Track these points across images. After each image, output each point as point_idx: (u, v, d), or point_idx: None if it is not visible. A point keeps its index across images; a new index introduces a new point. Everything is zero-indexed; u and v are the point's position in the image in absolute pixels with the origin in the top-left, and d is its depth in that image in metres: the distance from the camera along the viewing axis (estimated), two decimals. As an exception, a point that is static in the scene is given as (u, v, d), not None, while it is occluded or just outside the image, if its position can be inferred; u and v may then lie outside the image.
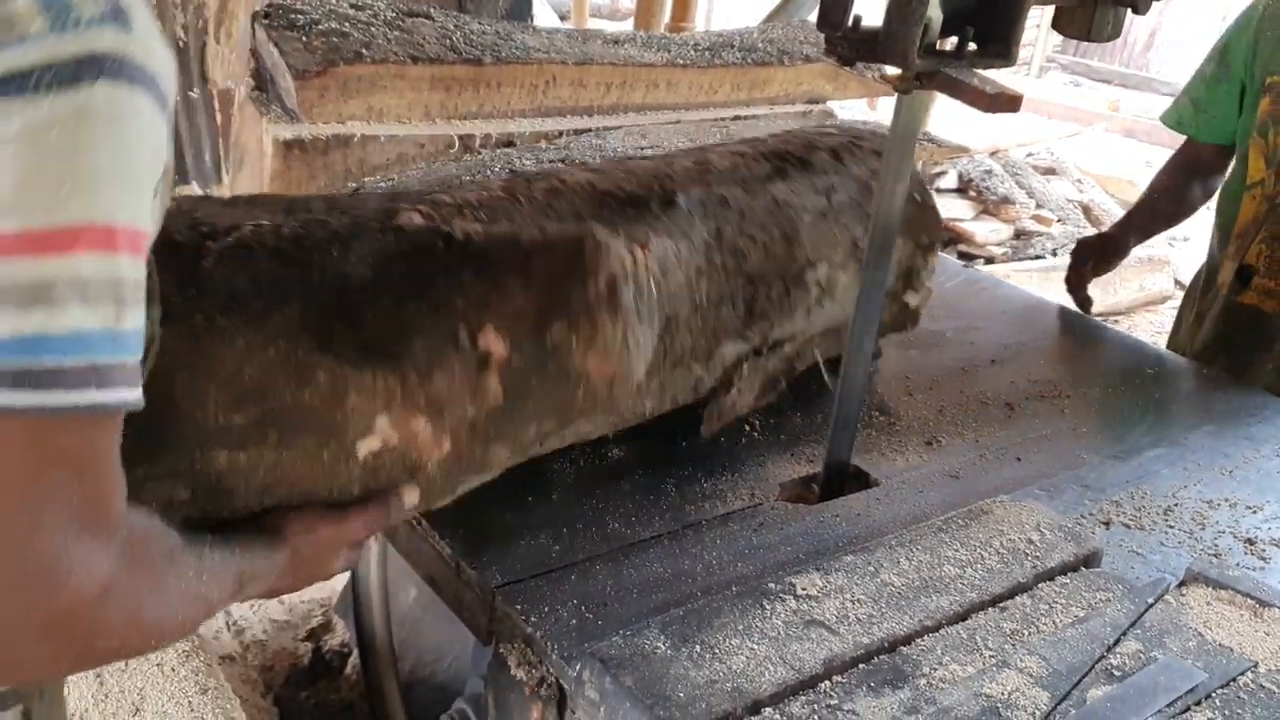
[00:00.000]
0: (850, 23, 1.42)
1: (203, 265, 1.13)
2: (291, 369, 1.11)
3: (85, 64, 0.71)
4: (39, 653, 0.78)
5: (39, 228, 0.70)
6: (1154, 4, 1.51)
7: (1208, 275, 2.61)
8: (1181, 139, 2.67)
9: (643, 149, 2.19)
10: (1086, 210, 7.26)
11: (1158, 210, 2.72)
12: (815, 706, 1.09)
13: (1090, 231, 6.82)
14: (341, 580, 2.78)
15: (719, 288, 1.55)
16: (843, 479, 1.66)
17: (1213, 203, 2.63)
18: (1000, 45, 1.43)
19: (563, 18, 9.74)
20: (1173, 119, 2.62)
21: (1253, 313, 2.44)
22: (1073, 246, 2.76)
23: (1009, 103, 1.37)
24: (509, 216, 1.35)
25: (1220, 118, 2.50)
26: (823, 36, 1.46)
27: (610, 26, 6.50)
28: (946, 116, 6.17)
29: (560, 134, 2.36)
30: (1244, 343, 2.44)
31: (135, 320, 0.77)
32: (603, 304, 1.27)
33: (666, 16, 4.74)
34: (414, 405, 1.17)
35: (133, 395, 0.78)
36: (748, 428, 1.76)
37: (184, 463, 1.08)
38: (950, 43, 1.42)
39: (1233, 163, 2.52)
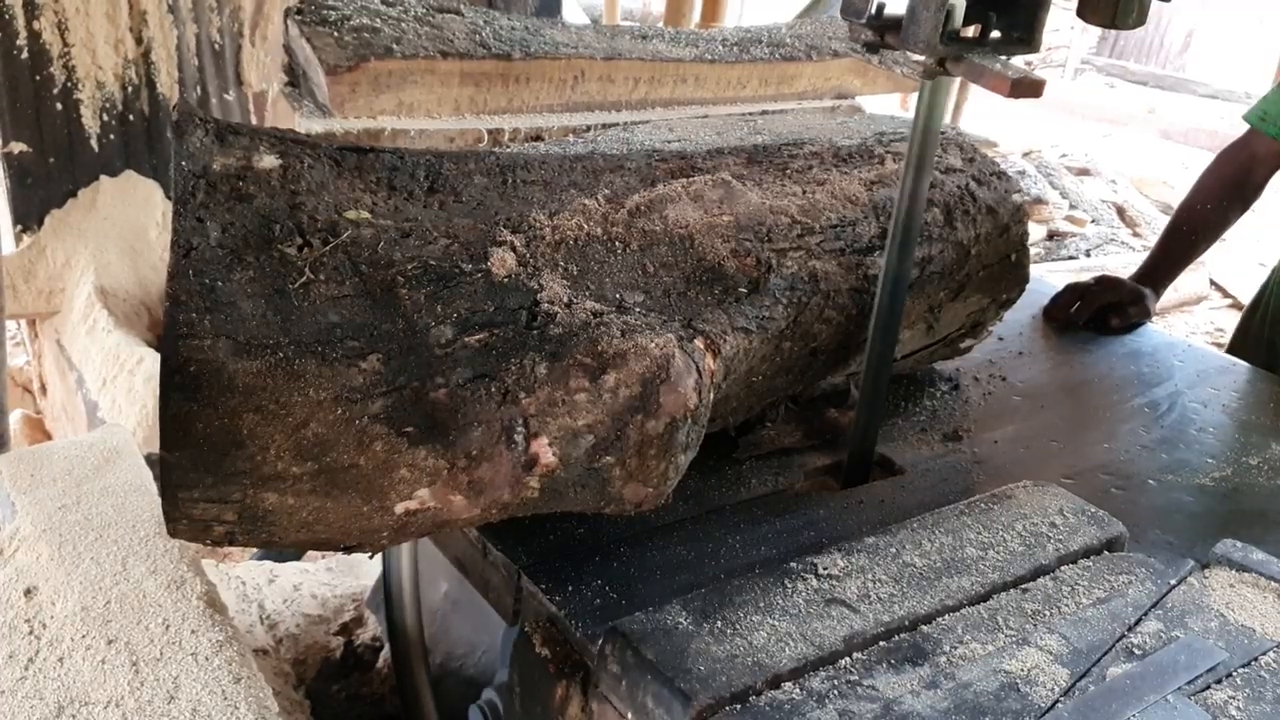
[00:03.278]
0: (874, 10, 1.43)
1: (294, 287, 1.17)
2: (354, 433, 1.15)
3: None
4: None
5: None
6: (1178, -10, 1.51)
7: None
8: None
9: (669, 143, 2.20)
10: (1120, 211, 7.22)
11: (1207, 217, 2.43)
12: (835, 682, 1.10)
13: (1124, 232, 6.79)
14: (374, 575, 2.82)
15: (780, 366, 1.54)
16: (867, 466, 1.66)
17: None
18: (1024, 32, 1.44)
19: (594, 22, 9.78)
20: (1255, 115, 2.39)
21: None
22: (1095, 282, 2.43)
23: (1031, 88, 1.37)
24: (599, 276, 1.35)
25: None
26: (847, 25, 1.48)
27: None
28: (979, 116, 6.15)
29: (589, 129, 2.37)
30: None
31: None
32: (655, 444, 1.25)
33: (696, 18, 4.75)
34: (456, 486, 1.20)
35: None
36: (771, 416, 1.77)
37: (236, 494, 1.14)
38: (974, 30, 1.43)
39: None
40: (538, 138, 2.31)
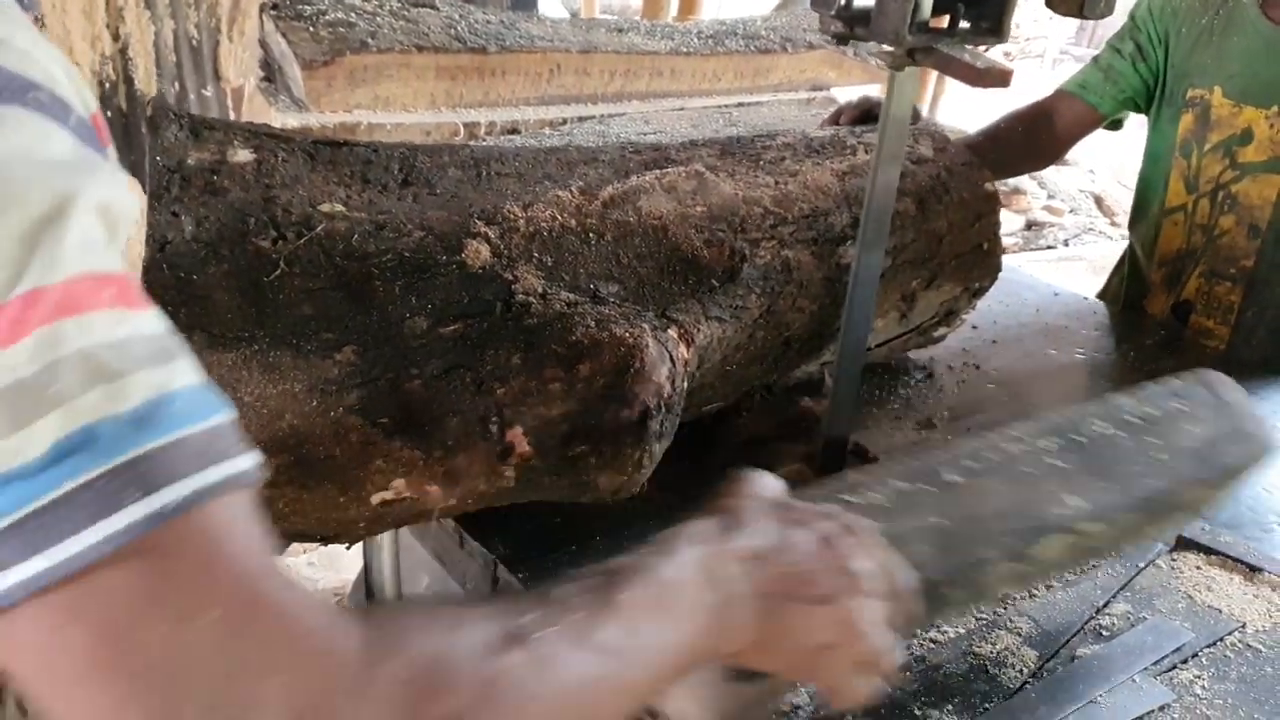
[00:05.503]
0: (843, 1, 1.44)
1: (268, 280, 1.17)
2: (329, 424, 1.15)
3: None
4: None
5: None
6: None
7: (1130, 287, 2.50)
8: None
9: (645, 135, 2.21)
10: (1099, 201, 7.26)
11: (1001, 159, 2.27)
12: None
13: (1102, 221, 6.84)
14: (355, 569, 2.82)
15: (753, 354, 1.55)
16: (842, 454, 1.68)
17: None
18: (992, 22, 1.45)
19: (572, 16, 9.77)
20: (1075, 83, 2.39)
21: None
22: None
23: (999, 77, 1.39)
24: (573, 267, 1.36)
25: (1130, 93, 2.34)
26: (817, 16, 1.49)
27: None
28: (957, 108, 6.18)
29: (564, 122, 2.38)
30: None
31: (174, 375, 0.55)
32: (629, 432, 1.26)
33: (673, 13, 4.76)
34: (432, 476, 1.20)
35: (231, 468, 0.56)
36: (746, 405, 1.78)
37: None
38: (943, 21, 1.44)
39: (1145, 174, 2.43)
40: (514, 131, 2.32)
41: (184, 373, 0.55)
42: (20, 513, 0.48)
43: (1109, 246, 6.08)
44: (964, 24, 1.45)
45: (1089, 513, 1.06)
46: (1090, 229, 6.71)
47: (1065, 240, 6.53)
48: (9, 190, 0.50)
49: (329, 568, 3.46)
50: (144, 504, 0.50)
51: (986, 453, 1.09)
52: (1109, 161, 8.07)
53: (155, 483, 0.50)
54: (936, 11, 1.41)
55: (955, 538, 0.99)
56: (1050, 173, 7.32)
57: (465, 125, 2.25)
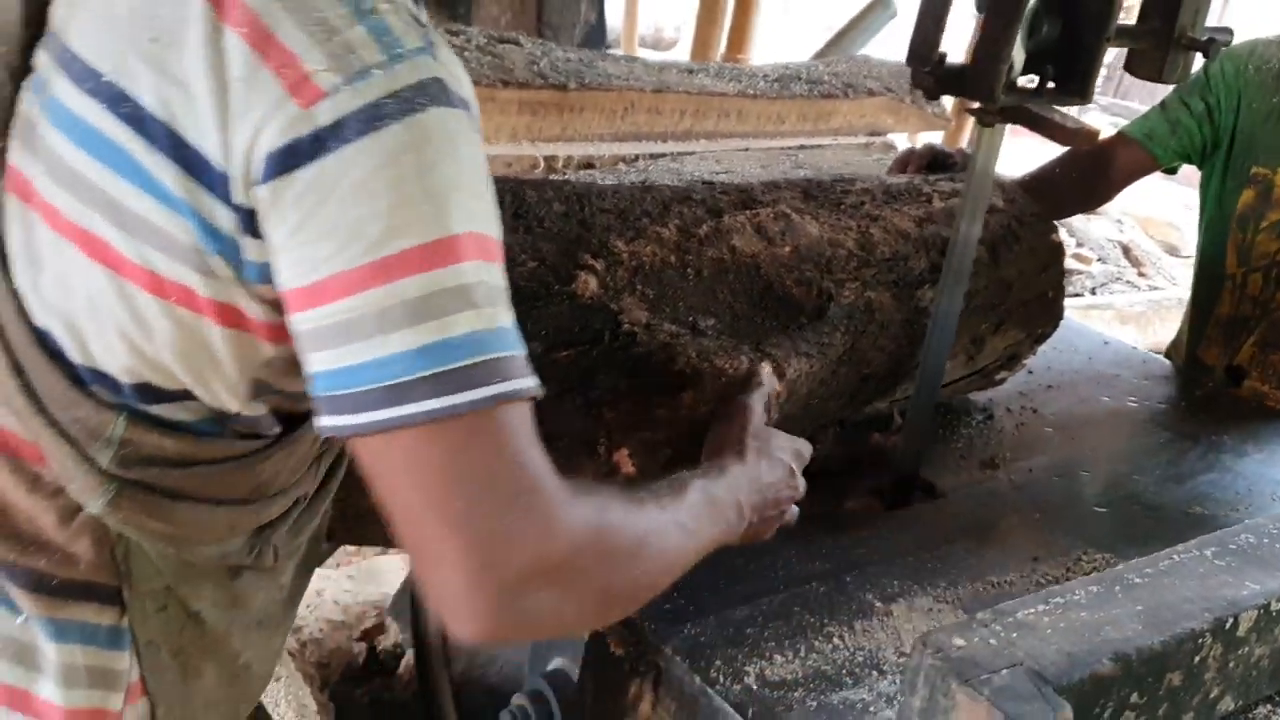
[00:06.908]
0: (937, 59, 1.52)
1: None
2: None
3: (420, 91, 0.79)
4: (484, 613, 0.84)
5: (416, 245, 0.79)
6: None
7: (1191, 340, 2.55)
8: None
9: (718, 174, 2.29)
10: (1126, 250, 7.32)
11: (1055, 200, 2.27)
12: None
13: (1130, 271, 6.90)
14: (394, 584, 2.90)
15: (834, 390, 1.62)
16: (911, 489, 1.74)
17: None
18: (1078, 84, 1.53)
19: (608, 47, 9.87)
20: (1140, 130, 2.40)
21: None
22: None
23: (1087, 137, 1.48)
24: (674, 300, 1.44)
25: (1189, 149, 2.37)
26: (910, 70, 1.56)
27: (655, 56, 6.61)
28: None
29: (636, 158, 2.46)
30: None
31: (512, 318, 0.86)
32: None
33: (723, 48, 4.85)
34: None
35: (533, 382, 0.86)
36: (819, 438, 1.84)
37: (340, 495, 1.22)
38: (1031, 80, 1.52)
39: (1203, 237, 2.46)
40: (589, 165, 2.40)
41: (507, 313, 0.86)
42: (424, 373, 0.80)
43: (1136, 296, 6.14)
44: (1050, 84, 1.53)
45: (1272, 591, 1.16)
46: (1118, 278, 6.77)
47: (1093, 289, 6.58)
48: (474, 171, 0.83)
49: (369, 581, 3.52)
50: (475, 391, 0.81)
51: (1159, 561, 1.21)
52: (1137, 211, 8.15)
53: (481, 381, 0.82)
54: (1025, 71, 1.49)
55: (1159, 616, 1.09)
56: (1079, 220, 7.38)
57: (544, 159, 2.33)
